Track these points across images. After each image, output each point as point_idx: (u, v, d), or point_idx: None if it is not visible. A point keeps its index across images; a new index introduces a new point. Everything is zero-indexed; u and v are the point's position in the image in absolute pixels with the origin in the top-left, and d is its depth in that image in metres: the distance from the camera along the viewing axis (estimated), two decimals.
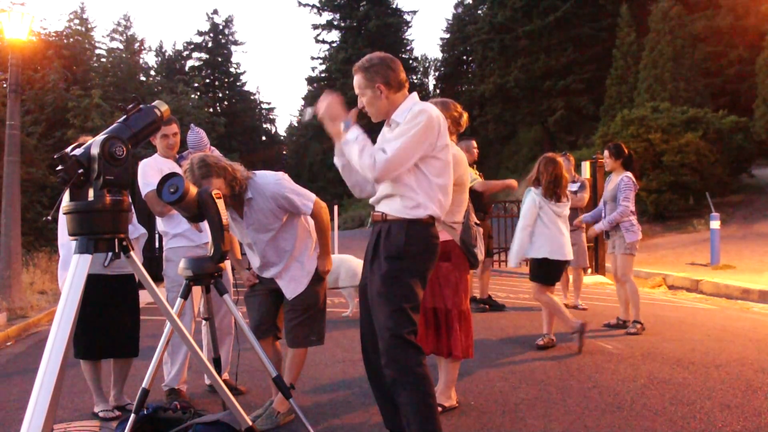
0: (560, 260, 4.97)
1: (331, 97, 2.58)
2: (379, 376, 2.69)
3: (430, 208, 2.54)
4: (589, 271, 9.45)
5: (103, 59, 23.30)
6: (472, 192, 6.06)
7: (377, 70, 2.58)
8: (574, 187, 6.82)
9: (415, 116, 2.50)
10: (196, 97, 35.32)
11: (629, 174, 5.75)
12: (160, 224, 3.77)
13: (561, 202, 4.96)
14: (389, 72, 2.59)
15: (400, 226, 2.52)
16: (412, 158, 2.49)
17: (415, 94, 2.67)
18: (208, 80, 46.12)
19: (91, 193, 1.88)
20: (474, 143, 6.52)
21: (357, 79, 2.63)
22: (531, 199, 4.98)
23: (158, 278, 4.97)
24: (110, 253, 1.91)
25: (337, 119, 2.57)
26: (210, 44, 46.36)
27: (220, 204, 2.66)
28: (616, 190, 5.72)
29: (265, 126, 52.70)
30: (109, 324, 3.38)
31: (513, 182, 6.99)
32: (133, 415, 2.59)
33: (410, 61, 42.39)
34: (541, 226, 4.92)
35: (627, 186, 5.66)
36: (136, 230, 3.54)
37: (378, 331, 2.51)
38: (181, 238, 3.69)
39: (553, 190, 4.92)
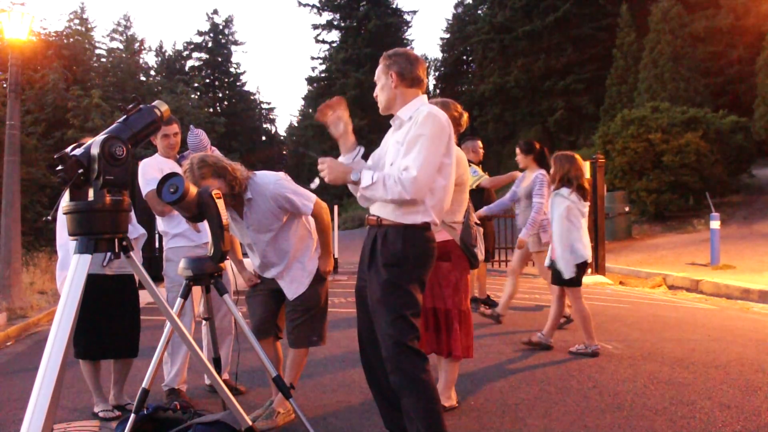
0: (585, 261, 4.80)
1: (328, 162, 2.54)
2: (377, 377, 2.70)
3: (428, 213, 2.51)
4: (589, 270, 9.43)
5: (103, 59, 23.36)
6: (476, 192, 6.09)
7: (396, 60, 2.62)
8: None
9: (425, 122, 2.47)
10: (196, 97, 35.37)
11: (544, 171, 5.57)
12: (160, 224, 3.77)
13: (586, 200, 4.78)
14: (407, 65, 2.62)
15: (397, 232, 2.50)
16: (436, 166, 2.47)
17: (424, 96, 2.66)
18: (208, 80, 46.11)
19: (91, 193, 1.88)
20: (479, 143, 6.53)
21: (378, 67, 2.68)
22: (561, 201, 4.68)
23: (158, 278, 4.97)
24: (109, 253, 1.91)
25: (345, 175, 2.53)
26: (210, 44, 46.33)
27: (220, 204, 2.66)
28: (530, 188, 5.61)
29: (265, 126, 52.68)
30: (109, 324, 3.38)
31: (516, 173, 6.88)
32: (133, 415, 2.59)
33: None
34: (572, 230, 4.71)
35: (542, 183, 5.52)
36: (135, 230, 3.54)
37: (380, 338, 2.50)
38: (181, 238, 3.69)
39: (581, 188, 4.74)
